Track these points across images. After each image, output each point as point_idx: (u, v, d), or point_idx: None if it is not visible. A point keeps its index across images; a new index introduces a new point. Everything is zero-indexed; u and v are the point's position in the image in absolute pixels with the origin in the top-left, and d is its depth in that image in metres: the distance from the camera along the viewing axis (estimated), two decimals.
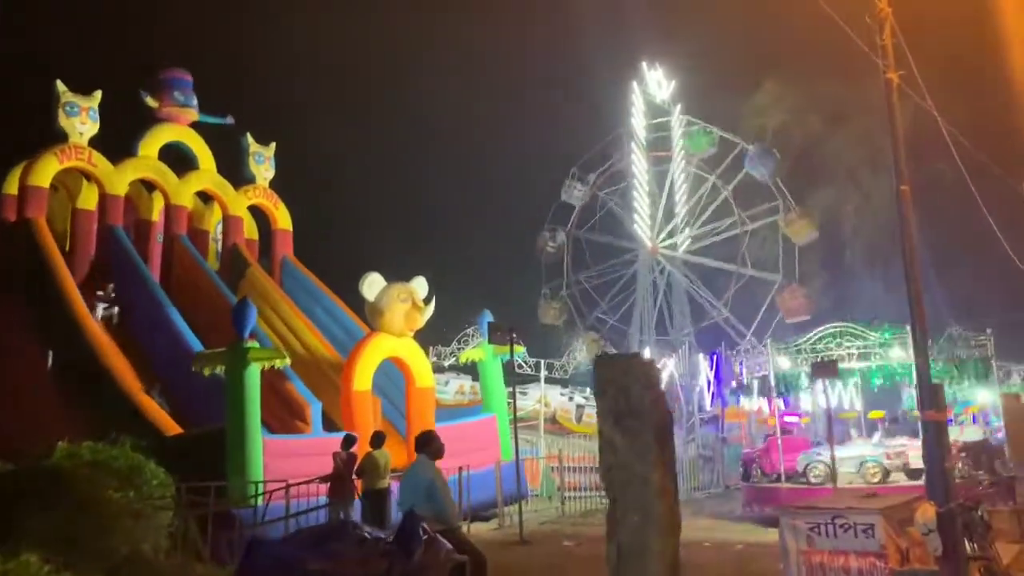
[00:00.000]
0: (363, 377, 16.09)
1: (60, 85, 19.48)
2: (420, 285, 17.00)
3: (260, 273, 22.02)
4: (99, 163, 19.99)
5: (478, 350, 19.31)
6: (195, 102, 22.31)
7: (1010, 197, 14.77)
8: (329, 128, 47.56)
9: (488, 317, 19.62)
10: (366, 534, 7.19)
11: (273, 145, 24.12)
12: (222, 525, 13.27)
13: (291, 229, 24.25)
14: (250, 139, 23.49)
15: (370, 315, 16.61)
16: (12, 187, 19.14)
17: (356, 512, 13.48)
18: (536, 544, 14.31)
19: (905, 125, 7.42)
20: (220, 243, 23.26)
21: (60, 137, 19.51)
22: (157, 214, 22.00)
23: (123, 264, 19.58)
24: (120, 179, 20.42)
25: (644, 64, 42.96)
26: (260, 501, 13.83)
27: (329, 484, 13.24)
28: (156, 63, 22.27)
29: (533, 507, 19.34)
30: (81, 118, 19.62)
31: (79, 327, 16.58)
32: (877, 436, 18.52)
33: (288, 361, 14.47)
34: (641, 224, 41.89)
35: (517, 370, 29.51)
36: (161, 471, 12.99)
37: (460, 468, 15.98)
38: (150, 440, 14.42)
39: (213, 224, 23.58)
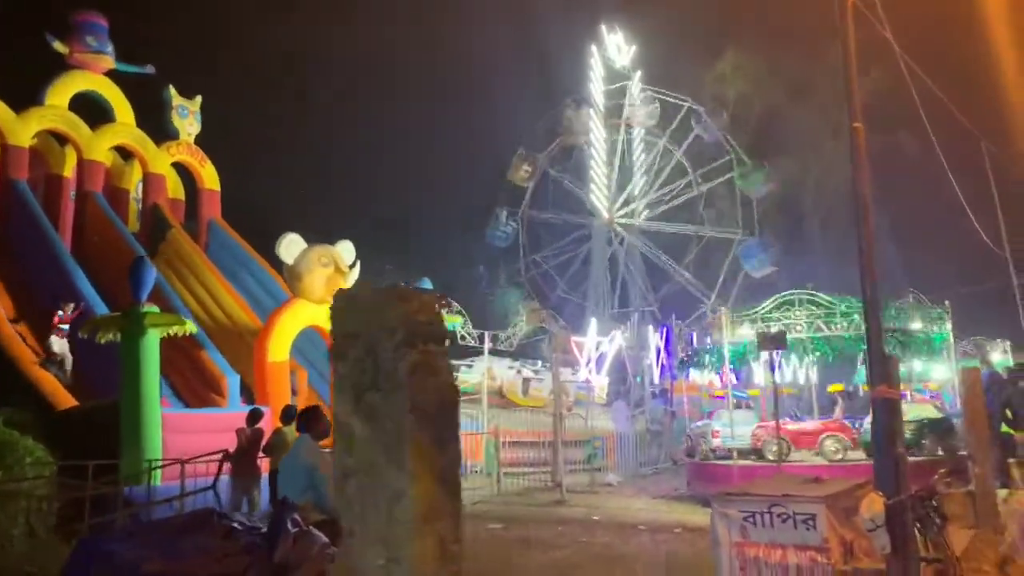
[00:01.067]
0: (279, 347, 14.86)
1: None
2: (345, 249, 15.76)
3: (182, 235, 20.56)
4: None
5: None
6: (111, 49, 20.59)
7: (975, 159, 13.89)
8: (264, 82, 45.31)
9: (427, 284, 18.45)
10: (235, 524, 6.16)
11: (199, 99, 22.49)
12: (109, 506, 12.07)
13: (219, 189, 22.74)
14: (173, 91, 21.83)
15: (288, 280, 15.36)
16: None
17: (263, 492, 12.36)
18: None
19: (859, 54, 6.34)
20: (141, 203, 21.70)
21: None
22: (69, 170, 20.37)
23: (24, 222, 18.01)
24: (23, 128, 18.76)
25: (603, 28, 41.74)
26: (156, 480, 12.61)
27: (232, 462, 12.03)
28: (67, 5, 20.47)
29: (470, 484, 18.32)
30: None
31: None
32: (837, 411, 17.78)
33: (189, 328, 13.13)
34: (598, 194, 40.87)
35: (460, 341, 28.71)
36: (39, 448, 11.74)
37: None
38: (38, 414, 13.22)
39: (134, 183, 22.00)
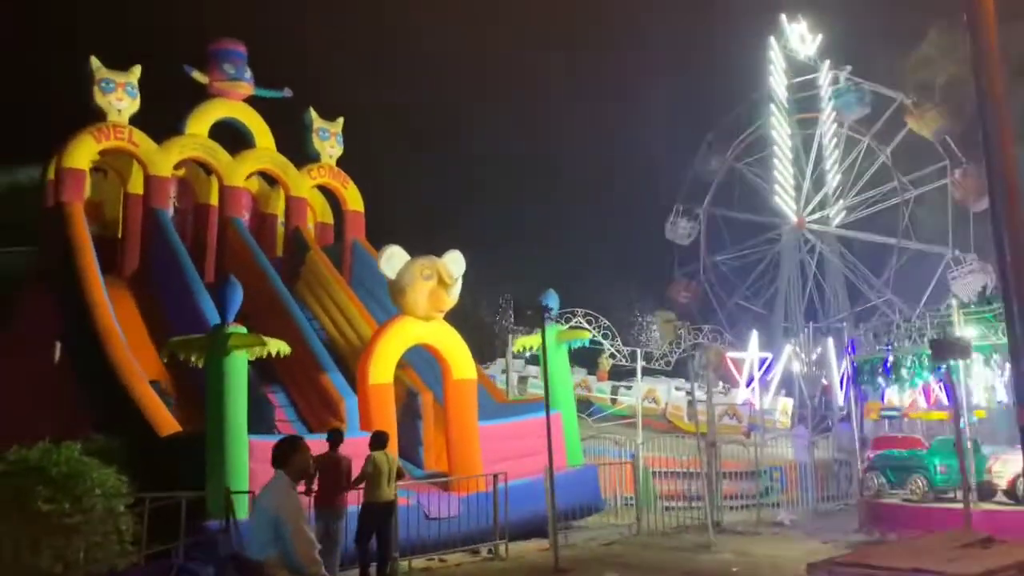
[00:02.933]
0: (382, 368, 13.71)
1: (94, 61, 18.32)
2: (453, 260, 14.41)
3: (320, 258, 20.17)
4: (141, 142, 18.73)
5: (538, 336, 16.47)
6: (248, 75, 20.73)
7: None
8: (412, 100, 45.16)
9: (553, 298, 16.77)
10: None
11: (340, 120, 22.25)
12: (192, 542, 11.33)
13: (362, 210, 22.31)
14: (313, 114, 21.72)
15: (392, 296, 14.21)
16: (51, 172, 18.13)
17: (350, 524, 11.17)
18: (571, 573, 11.40)
19: None
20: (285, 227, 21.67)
21: (98, 117, 18.38)
22: (215, 198, 20.61)
23: (164, 251, 18.21)
24: (165, 159, 19.10)
25: (784, 17, 38.47)
26: (242, 513, 11.76)
27: (315, 493, 10.92)
28: (206, 35, 20.83)
29: (611, 520, 16.35)
30: (117, 94, 18.37)
31: (90, 316, 15.16)
32: None
33: (269, 350, 12.23)
34: (784, 196, 37.49)
35: (610, 359, 26.70)
36: (112, 478, 11.17)
37: (497, 476, 13.35)
38: (132, 442, 12.81)
39: (280, 208, 22.00)
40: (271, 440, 12.77)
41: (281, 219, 22.05)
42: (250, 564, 5.77)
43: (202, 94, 20.42)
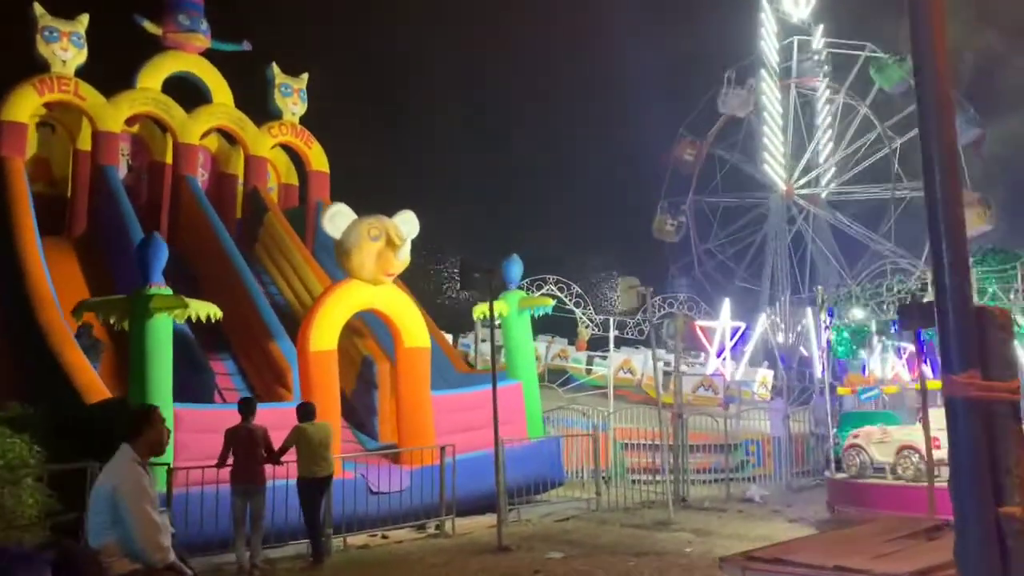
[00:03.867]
0: (324, 335, 12.90)
1: (37, 7, 17.29)
2: (405, 220, 13.56)
3: (278, 220, 19.30)
4: (88, 95, 17.76)
5: (499, 303, 15.67)
6: (205, 27, 19.72)
7: None
8: (386, 48, 43.70)
9: (517, 263, 15.97)
10: None
11: (305, 76, 21.25)
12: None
13: (327, 170, 21.40)
14: (276, 69, 20.72)
15: (337, 257, 13.38)
16: None
17: (275, 502, 10.46)
18: (513, 553, 10.69)
19: None
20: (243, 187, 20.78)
21: (42, 68, 17.41)
22: (171, 156, 19.70)
23: (108, 208, 17.35)
24: (114, 114, 18.14)
25: None
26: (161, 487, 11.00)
27: (232, 466, 10.17)
28: None
29: (576, 494, 15.66)
30: (62, 44, 17.36)
31: (22, 277, 14.34)
32: None
33: (191, 312, 11.41)
34: (773, 165, 36.55)
35: (586, 329, 25.94)
36: (18, 447, 10.43)
37: (444, 448, 12.63)
38: (54, 411, 12.04)
39: (241, 168, 21.09)
40: (201, 409, 12.11)
41: (241, 179, 21.16)
42: (80, 554, 5.02)
43: (156, 46, 19.42)
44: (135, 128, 19.60)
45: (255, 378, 15.87)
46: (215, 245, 17.50)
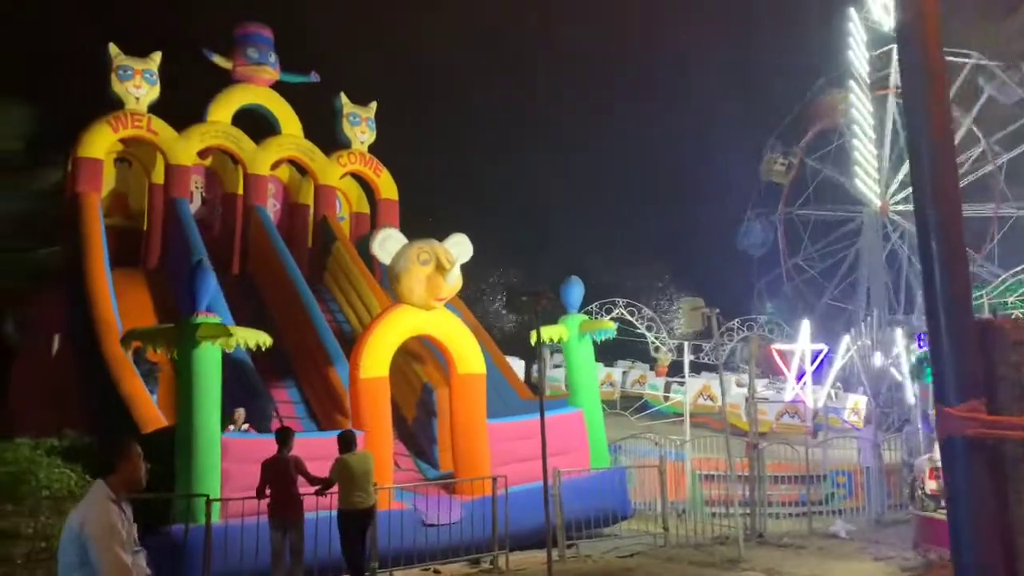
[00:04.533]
0: (375, 361, 12.63)
1: (113, 48, 17.88)
2: (457, 243, 13.24)
3: (346, 248, 19.31)
4: (161, 130, 18.22)
5: (558, 327, 15.15)
6: (274, 59, 20.00)
7: None
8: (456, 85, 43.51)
9: (577, 285, 15.41)
10: None
11: (373, 105, 21.35)
12: (157, 547, 10.51)
13: (396, 198, 21.40)
14: (344, 99, 20.88)
15: (389, 282, 13.15)
16: (70, 163, 17.80)
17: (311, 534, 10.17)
18: None
19: None
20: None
21: (117, 106, 17.95)
22: (242, 187, 20.01)
23: (178, 239, 17.66)
24: (185, 147, 18.55)
25: None
26: (217, 518, 10.88)
27: (269, 499, 9.95)
28: (231, 20, 20.19)
29: (649, 527, 14.84)
30: (135, 81, 17.89)
31: (90, 308, 14.63)
32: None
33: (234, 343, 11.29)
34: (866, 180, 34.89)
35: (654, 354, 25.01)
36: (67, 478, 10.46)
37: (495, 479, 12.13)
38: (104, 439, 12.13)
39: (312, 197, 21.26)
40: (247, 438, 11.99)
41: (313, 209, 21.31)
42: None
43: (226, 80, 19.83)
44: (208, 161, 19.98)
45: (317, 406, 15.78)
46: (282, 274, 17.60)
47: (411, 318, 12.97)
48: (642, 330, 22.84)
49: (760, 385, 22.27)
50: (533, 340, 15.24)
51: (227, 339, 11.02)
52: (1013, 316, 15.52)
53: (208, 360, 11.21)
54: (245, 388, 14.12)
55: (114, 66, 17.83)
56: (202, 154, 19.59)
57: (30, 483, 9.76)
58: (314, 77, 20.95)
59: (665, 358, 25.72)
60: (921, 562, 11.18)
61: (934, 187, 2.37)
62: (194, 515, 10.76)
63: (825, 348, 20.54)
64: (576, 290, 15.23)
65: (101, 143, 17.63)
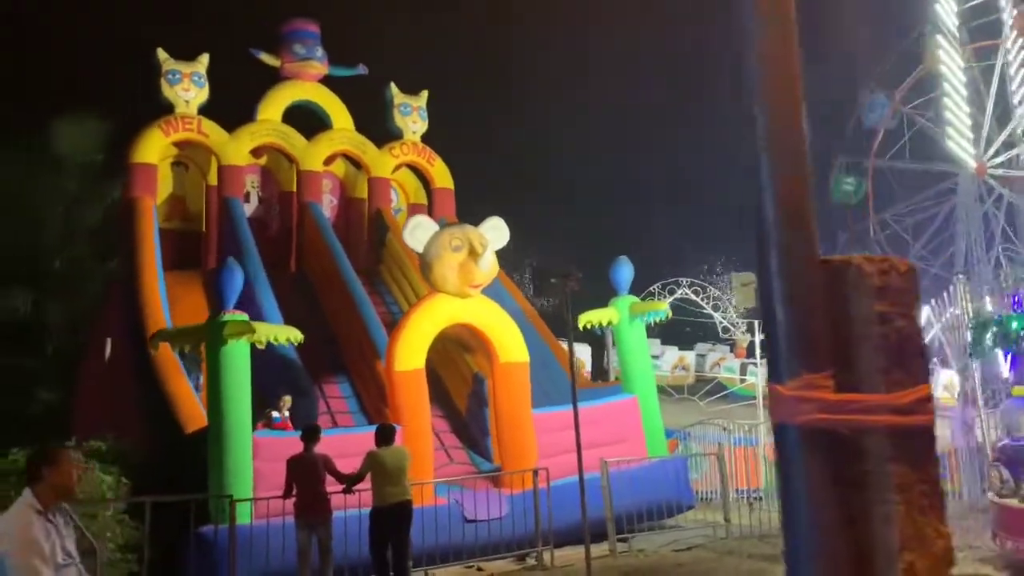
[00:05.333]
0: (410, 353, 12.27)
1: (161, 53, 18.06)
2: (493, 228, 12.73)
3: (398, 239, 18.91)
4: (211, 132, 18.32)
5: (608, 310, 14.46)
6: (321, 54, 19.87)
7: None
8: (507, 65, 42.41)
9: (626, 265, 14.70)
10: None
11: (424, 94, 21.02)
12: (190, 549, 10.42)
13: (451, 187, 21.05)
14: (395, 89, 20.61)
15: (422, 271, 12.75)
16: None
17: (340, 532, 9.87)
18: None
19: None
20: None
21: (168, 110, 18.14)
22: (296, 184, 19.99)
23: (232, 239, 17.72)
24: (236, 147, 18.60)
25: None
26: (248, 518, 10.74)
27: (296, 498, 9.70)
28: (276, 17, 20.16)
29: (717, 518, 14.02)
30: (184, 85, 18.02)
31: (140, 310, 14.76)
32: None
33: (259, 339, 11.08)
34: (960, 140, 32.67)
35: (723, 335, 23.83)
36: (99, 480, 10.45)
37: (537, 471, 11.59)
38: (143, 441, 12.16)
39: (366, 190, 21.11)
40: (279, 436, 11.79)
41: (368, 202, 21.16)
42: None
43: (274, 78, 19.83)
44: (263, 160, 20.02)
45: (367, 400, 15.57)
46: (334, 269, 17.46)
47: (446, 307, 12.55)
48: (708, 310, 21.83)
49: None
50: (581, 325, 14.71)
51: (255, 336, 10.80)
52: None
53: (237, 358, 11.05)
54: (291, 385, 13.97)
55: (163, 71, 17.99)
56: (256, 153, 19.64)
57: None
58: (362, 69, 20.75)
59: (743, 339, 24.59)
60: (1000, 553, 10.08)
61: (763, 76, 1.72)
62: (224, 515, 10.65)
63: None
64: (626, 271, 14.53)
65: (153, 148, 17.82)
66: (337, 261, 17.51)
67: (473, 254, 12.06)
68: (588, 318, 14.37)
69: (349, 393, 15.86)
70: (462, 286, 12.27)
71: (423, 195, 22.14)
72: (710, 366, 25.96)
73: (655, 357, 25.36)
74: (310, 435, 9.66)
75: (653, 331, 29.16)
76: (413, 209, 22.04)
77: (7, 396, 18.92)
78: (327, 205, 20.52)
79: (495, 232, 12.67)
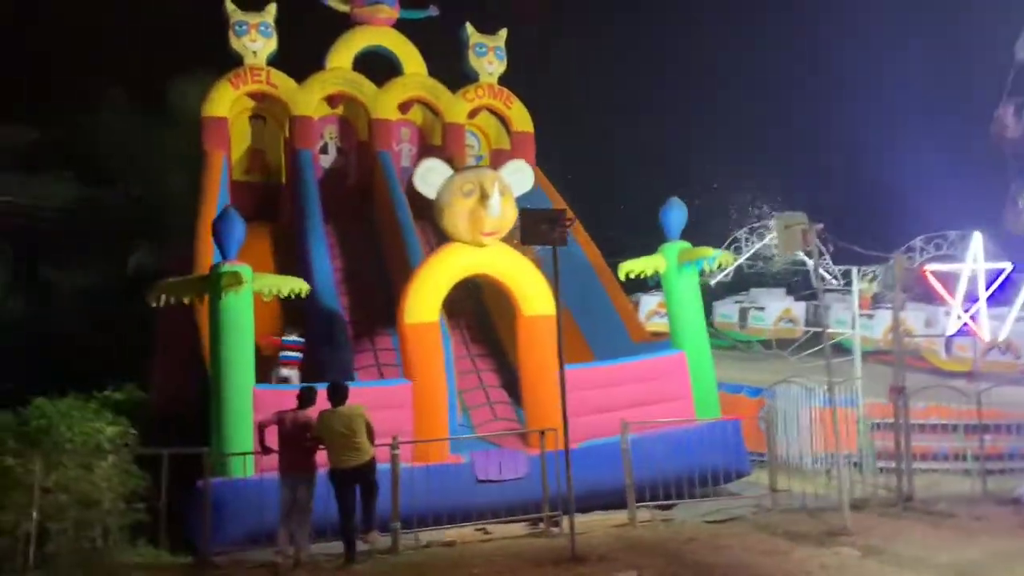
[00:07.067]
0: (422, 306, 11.66)
1: (229, 4, 18.02)
2: (516, 171, 11.83)
3: None
4: (280, 82, 18.21)
5: (655, 258, 13.23)
6: None
7: None
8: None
9: (678, 208, 13.39)
10: None
11: (502, 33, 20.05)
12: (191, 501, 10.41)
13: (531, 130, 20.13)
14: (470, 29, 19.78)
15: (435, 218, 12.04)
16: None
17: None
18: (578, 566, 8.65)
19: None
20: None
21: (237, 62, 18.18)
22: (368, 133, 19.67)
23: (301, 191, 17.67)
24: (306, 97, 18.41)
25: None
26: (247, 471, 10.64)
27: (280, 455, 9.46)
28: None
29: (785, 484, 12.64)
30: (251, 36, 17.91)
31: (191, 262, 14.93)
32: None
33: (263, 290, 10.81)
34: None
35: (821, 283, 21.26)
36: (99, 429, 10.57)
37: (544, 432, 10.80)
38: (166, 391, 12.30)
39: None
40: (281, 390, 11.54)
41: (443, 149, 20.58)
42: None
43: (344, 24, 19.48)
44: (339, 110, 19.82)
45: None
46: (395, 221, 17.09)
47: (462, 257, 11.83)
48: (803, 256, 19.74)
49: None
50: (623, 275, 13.56)
51: (258, 286, 10.56)
52: None
53: (238, 308, 10.87)
54: (327, 338, 13.78)
55: (231, 23, 18.01)
56: (333, 103, 19.47)
57: (53, 436, 9.93)
58: (434, 11, 20.04)
59: (869, 288, 22.32)
60: None
61: None
62: (225, 469, 10.59)
63: (1010, 266, 16.13)
64: (677, 214, 13.21)
65: (223, 101, 17.91)
66: (398, 212, 17.10)
67: (484, 198, 11.21)
68: (630, 267, 13.18)
69: (396, 346, 15.52)
70: (475, 234, 11.50)
71: (506, 140, 21.30)
72: (834, 320, 23.78)
73: (759, 309, 23.57)
74: (305, 397, 9.37)
75: (775, 281, 27.17)
76: (495, 155, 21.30)
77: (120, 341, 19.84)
78: (406, 154, 20.14)
79: (517, 175, 11.79)
